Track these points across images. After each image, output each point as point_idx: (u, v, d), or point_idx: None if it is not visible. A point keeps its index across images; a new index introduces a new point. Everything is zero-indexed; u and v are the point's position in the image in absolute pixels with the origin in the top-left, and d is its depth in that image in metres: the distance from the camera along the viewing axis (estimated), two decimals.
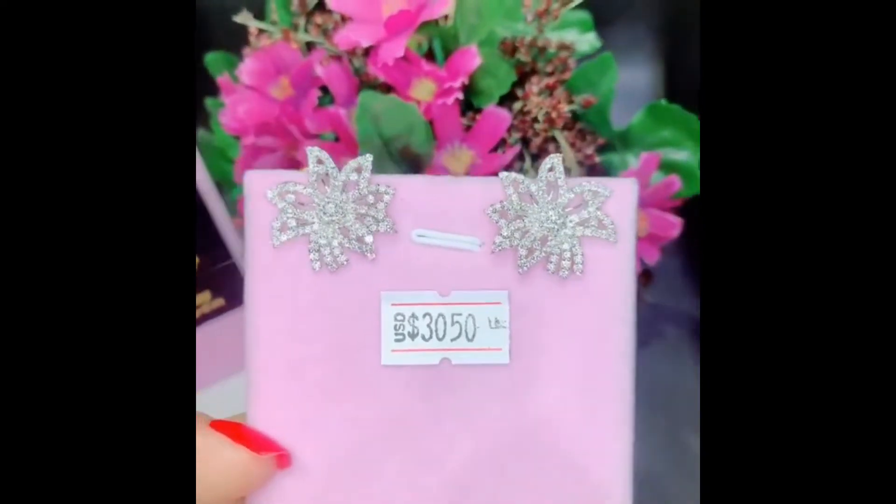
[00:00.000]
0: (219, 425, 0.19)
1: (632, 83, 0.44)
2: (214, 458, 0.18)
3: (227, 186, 0.35)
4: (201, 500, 0.18)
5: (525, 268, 0.20)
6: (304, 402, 0.20)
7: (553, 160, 0.20)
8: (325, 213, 0.20)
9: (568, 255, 0.20)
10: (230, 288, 0.39)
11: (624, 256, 0.20)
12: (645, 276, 0.34)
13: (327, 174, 0.20)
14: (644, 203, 0.31)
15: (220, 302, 0.39)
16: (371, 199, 0.20)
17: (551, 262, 0.20)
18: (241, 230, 0.38)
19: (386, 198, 0.20)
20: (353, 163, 0.20)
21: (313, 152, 0.20)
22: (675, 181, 0.30)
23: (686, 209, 0.34)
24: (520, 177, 0.20)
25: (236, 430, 0.19)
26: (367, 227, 0.20)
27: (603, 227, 0.20)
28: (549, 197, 0.20)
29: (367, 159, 0.20)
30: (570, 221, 0.20)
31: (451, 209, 0.20)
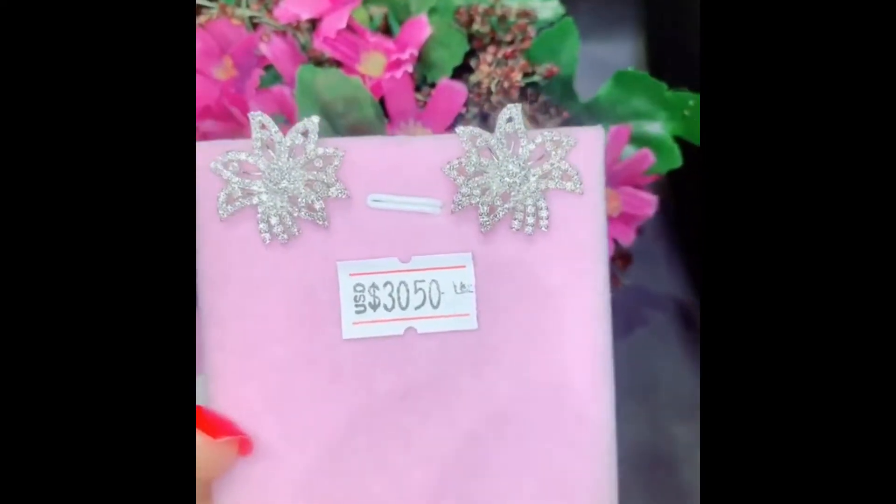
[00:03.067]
0: None
1: (610, 57, 0.42)
2: None
3: None
4: None
5: (488, 227, 0.19)
6: (265, 382, 0.19)
7: (511, 110, 0.19)
8: (271, 181, 0.18)
9: (532, 210, 0.19)
10: None
11: (593, 207, 0.19)
12: (622, 259, 0.32)
13: (271, 139, 0.18)
14: (615, 181, 0.29)
15: None
16: (319, 163, 0.18)
17: (515, 219, 0.19)
18: None
19: (335, 161, 0.18)
20: (298, 126, 0.18)
21: (256, 117, 0.18)
22: (649, 155, 0.28)
23: (663, 186, 0.32)
24: (477, 130, 0.18)
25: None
26: (317, 193, 0.19)
27: (568, 177, 0.19)
28: (510, 150, 0.19)
29: (312, 122, 0.18)
30: (533, 174, 0.19)
31: (406, 169, 0.19)
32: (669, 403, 0.38)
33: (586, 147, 0.19)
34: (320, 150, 0.18)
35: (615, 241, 0.30)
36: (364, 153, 0.19)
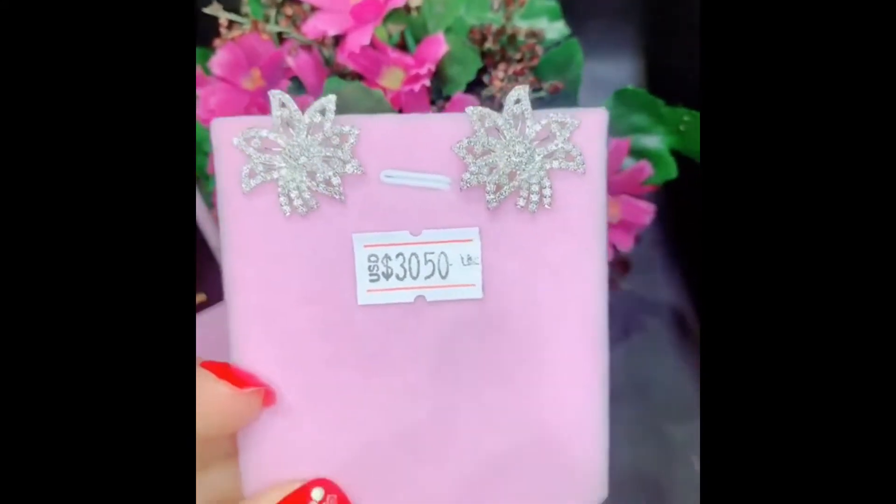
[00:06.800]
0: (206, 364, 0.20)
1: (611, 76, 0.45)
2: (199, 393, 0.19)
3: (204, 179, 0.35)
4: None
5: (494, 203, 0.20)
6: (284, 345, 0.20)
7: (519, 92, 0.19)
8: (290, 157, 0.19)
9: (537, 188, 0.20)
10: (213, 282, 0.39)
11: (594, 187, 0.20)
12: (621, 265, 0.34)
13: (291, 117, 0.19)
14: (615, 189, 0.31)
15: (202, 297, 0.40)
16: (336, 140, 0.20)
17: (521, 197, 0.20)
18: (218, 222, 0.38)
19: (351, 138, 0.20)
20: (316, 104, 0.19)
21: (276, 96, 0.19)
22: (646, 167, 0.31)
23: (661, 197, 0.34)
24: (486, 111, 0.19)
25: (221, 368, 0.20)
26: (334, 169, 0.20)
27: (571, 158, 0.20)
28: (517, 130, 0.20)
29: (329, 100, 0.19)
30: (538, 154, 0.20)
31: (419, 147, 0.20)
32: (664, 407, 0.39)
33: (590, 128, 0.20)
34: (337, 128, 0.19)
35: (614, 247, 0.32)
36: (378, 131, 0.20)
